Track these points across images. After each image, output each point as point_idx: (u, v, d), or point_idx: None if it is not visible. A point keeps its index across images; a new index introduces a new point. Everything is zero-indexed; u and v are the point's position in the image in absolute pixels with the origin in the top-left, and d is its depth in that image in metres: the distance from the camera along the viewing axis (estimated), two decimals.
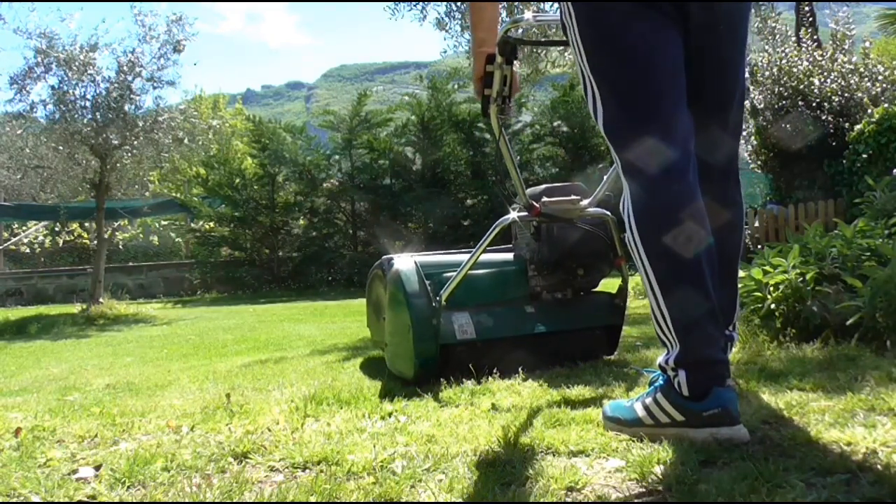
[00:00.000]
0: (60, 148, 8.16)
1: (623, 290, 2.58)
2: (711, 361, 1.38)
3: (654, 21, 1.46)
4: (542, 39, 1.81)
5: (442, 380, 2.22)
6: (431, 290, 2.37)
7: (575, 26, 1.51)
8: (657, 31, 1.46)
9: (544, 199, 2.41)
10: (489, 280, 2.56)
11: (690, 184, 1.43)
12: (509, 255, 2.69)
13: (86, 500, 1.24)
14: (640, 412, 1.44)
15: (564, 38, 1.58)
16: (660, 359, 1.46)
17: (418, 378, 2.35)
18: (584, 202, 2.44)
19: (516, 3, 6.77)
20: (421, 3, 7.30)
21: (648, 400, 1.43)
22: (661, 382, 1.44)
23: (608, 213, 2.45)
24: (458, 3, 7.10)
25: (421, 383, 2.30)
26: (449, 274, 2.40)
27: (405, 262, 2.49)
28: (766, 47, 10.36)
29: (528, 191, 2.47)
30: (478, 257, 2.38)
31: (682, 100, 1.47)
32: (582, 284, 2.62)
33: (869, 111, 9.66)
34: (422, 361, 2.35)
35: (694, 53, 1.50)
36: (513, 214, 2.47)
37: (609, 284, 2.68)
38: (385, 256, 2.66)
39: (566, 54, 7.37)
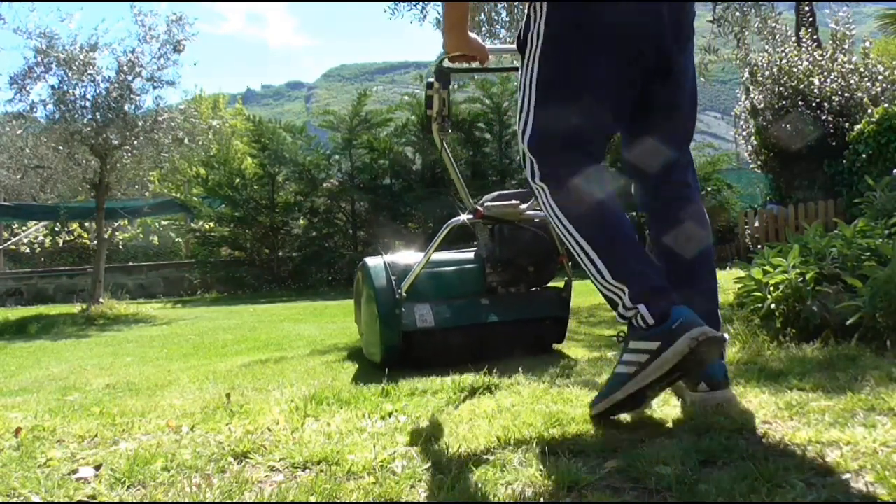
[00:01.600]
0: (60, 148, 8.15)
1: (568, 284, 2.88)
2: (662, 288, 1.50)
3: (619, 59, 1.58)
4: (478, 67, 2.18)
5: (441, 379, 2.22)
6: (397, 286, 2.69)
7: (538, 47, 1.61)
8: (620, 70, 1.59)
9: (487, 203, 2.78)
10: (451, 276, 2.90)
11: (600, 169, 1.62)
12: (471, 254, 3.01)
13: (86, 500, 1.24)
14: (623, 370, 1.48)
15: (500, 66, 1.78)
16: (618, 312, 1.55)
17: (385, 362, 2.70)
18: (524, 206, 2.76)
19: (499, 4, 6.77)
20: (421, 3, 7.30)
21: (624, 357, 1.50)
22: (633, 331, 1.52)
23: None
24: None
25: (387, 366, 2.58)
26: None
27: (376, 261, 2.87)
28: (766, 47, 10.36)
29: (486, 196, 2.86)
30: (430, 255, 2.75)
31: (606, 132, 1.67)
32: (534, 280, 2.92)
33: (869, 111, 9.66)
34: (387, 347, 2.71)
35: (660, 78, 1.65)
36: (462, 217, 2.81)
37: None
38: (367, 257, 2.99)
39: None
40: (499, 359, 2.45)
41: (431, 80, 2.27)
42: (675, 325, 1.41)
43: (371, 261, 2.88)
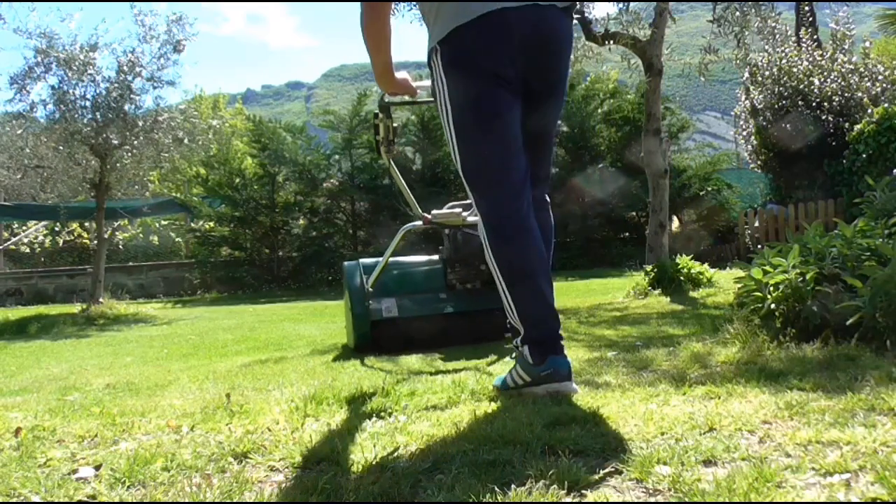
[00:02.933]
0: (60, 148, 8.14)
1: None
2: (544, 340, 1.89)
3: (506, 95, 1.88)
4: (417, 100, 2.75)
5: (441, 379, 2.22)
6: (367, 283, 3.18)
7: (445, 91, 1.92)
8: (509, 104, 1.90)
9: (434, 211, 3.26)
10: (417, 275, 3.44)
11: (525, 213, 1.91)
12: (436, 256, 3.52)
13: (86, 500, 1.24)
14: (508, 380, 1.97)
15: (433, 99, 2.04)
16: (514, 341, 1.98)
17: (358, 348, 3.23)
18: (465, 213, 3.20)
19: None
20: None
21: (513, 372, 1.96)
22: (519, 358, 1.94)
23: None
24: None
25: (360, 351, 3.08)
26: (391, 271, 3.29)
27: (351, 264, 3.39)
28: (766, 47, 10.36)
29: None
30: (389, 255, 3.23)
31: (521, 155, 1.94)
32: (487, 278, 3.19)
33: (869, 111, 9.67)
34: (359, 335, 3.23)
35: (532, 111, 1.97)
36: (417, 223, 3.33)
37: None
38: (345, 261, 3.47)
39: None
40: (459, 345, 2.76)
41: (377, 111, 2.71)
42: (545, 373, 1.85)
43: (348, 264, 3.41)
